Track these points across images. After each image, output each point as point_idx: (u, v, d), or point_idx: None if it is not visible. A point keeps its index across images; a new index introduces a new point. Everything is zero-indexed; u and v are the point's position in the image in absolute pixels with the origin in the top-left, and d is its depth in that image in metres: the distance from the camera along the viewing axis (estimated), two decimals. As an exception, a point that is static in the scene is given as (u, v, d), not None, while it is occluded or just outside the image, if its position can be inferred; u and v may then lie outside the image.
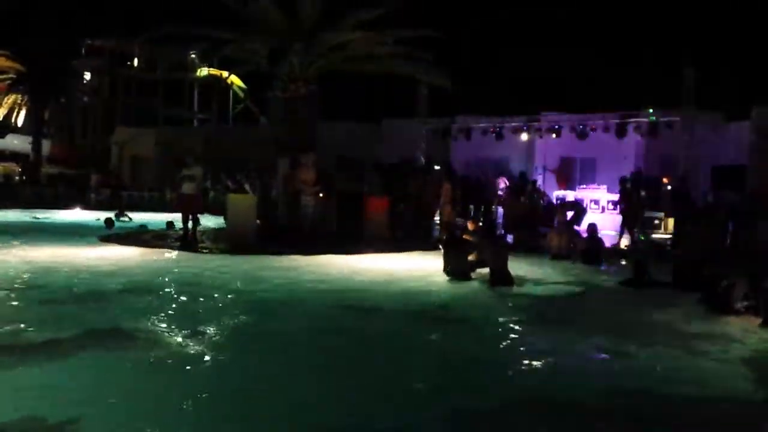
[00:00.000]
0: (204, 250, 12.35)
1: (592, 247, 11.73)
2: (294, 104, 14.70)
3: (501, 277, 8.83)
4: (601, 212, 18.57)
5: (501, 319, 6.87)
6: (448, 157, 21.56)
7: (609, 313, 7.56)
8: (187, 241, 13.21)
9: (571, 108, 21.37)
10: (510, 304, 7.73)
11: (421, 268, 10.36)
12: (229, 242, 13.00)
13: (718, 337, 6.24)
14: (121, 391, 4.24)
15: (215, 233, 14.73)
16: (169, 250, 12.16)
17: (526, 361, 5.35)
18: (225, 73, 34.80)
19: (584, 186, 20.03)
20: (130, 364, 4.85)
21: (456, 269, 9.31)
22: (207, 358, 5.11)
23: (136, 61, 44.91)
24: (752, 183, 17.78)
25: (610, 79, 23.93)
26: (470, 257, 9.35)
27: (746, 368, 5.28)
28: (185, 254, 11.85)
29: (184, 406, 4.04)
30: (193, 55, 38.55)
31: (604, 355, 5.62)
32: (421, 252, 12.37)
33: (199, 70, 42.12)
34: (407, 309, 7.22)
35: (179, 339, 5.62)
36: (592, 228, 12.12)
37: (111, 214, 17.90)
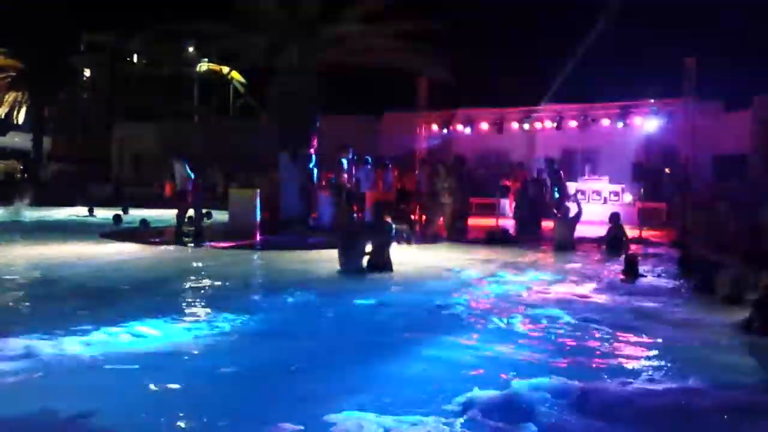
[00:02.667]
0: (207, 245, 12.38)
1: (617, 236, 11.81)
2: (294, 98, 14.70)
3: (379, 264, 8.96)
4: (603, 203, 18.59)
5: (506, 313, 6.89)
6: (449, 150, 21.48)
7: (607, 303, 7.54)
8: (187, 236, 13.21)
9: (573, 99, 21.27)
10: (507, 300, 7.74)
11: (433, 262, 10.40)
12: (233, 236, 13.05)
13: (712, 327, 6.21)
14: (134, 387, 4.27)
15: (219, 227, 14.76)
16: (173, 246, 12.20)
17: (534, 353, 5.37)
18: (225, 69, 34.76)
19: (586, 177, 20.00)
20: (142, 359, 4.86)
21: (350, 266, 8.98)
22: (218, 352, 5.14)
23: (135, 57, 44.81)
24: (753, 172, 17.81)
25: (611, 69, 23.90)
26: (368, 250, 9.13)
27: (745, 357, 5.32)
28: (189, 249, 11.88)
29: (198, 401, 4.06)
30: (193, 50, 38.49)
31: (606, 343, 5.65)
32: (426, 245, 12.46)
33: (198, 66, 42.05)
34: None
35: (189, 334, 5.64)
36: (616, 217, 12.14)
37: (117, 211, 18.00)
